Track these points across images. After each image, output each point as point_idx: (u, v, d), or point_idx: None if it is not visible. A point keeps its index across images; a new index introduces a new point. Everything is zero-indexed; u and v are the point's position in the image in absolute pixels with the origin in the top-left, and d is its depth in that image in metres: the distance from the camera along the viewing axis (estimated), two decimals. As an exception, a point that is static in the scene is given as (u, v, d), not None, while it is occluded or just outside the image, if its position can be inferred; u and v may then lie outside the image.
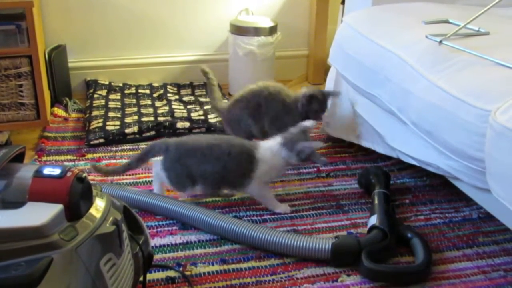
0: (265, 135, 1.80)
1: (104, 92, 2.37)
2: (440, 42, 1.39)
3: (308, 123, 1.57)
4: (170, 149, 1.52)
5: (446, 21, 1.55)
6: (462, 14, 1.56)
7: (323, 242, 1.34)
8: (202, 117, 2.16)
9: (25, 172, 0.95)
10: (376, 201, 1.52)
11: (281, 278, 1.31)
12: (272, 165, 1.54)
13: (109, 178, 1.73)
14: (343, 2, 2.36)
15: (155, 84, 2.52)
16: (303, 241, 1.35)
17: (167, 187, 1.60)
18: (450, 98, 1.22)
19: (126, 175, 1.73)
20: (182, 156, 1.51)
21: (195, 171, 1.51)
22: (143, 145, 1.95)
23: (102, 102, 2.28)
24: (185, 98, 2.38)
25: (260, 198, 1.60)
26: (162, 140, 1.56)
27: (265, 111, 1.80)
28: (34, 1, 1.90)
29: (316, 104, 1.79)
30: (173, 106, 2.27)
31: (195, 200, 1.61)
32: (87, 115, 2.15)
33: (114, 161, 1.84)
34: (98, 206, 0.99)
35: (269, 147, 1.55)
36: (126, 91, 2.42)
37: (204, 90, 2.49)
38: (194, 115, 2.19)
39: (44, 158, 1.86)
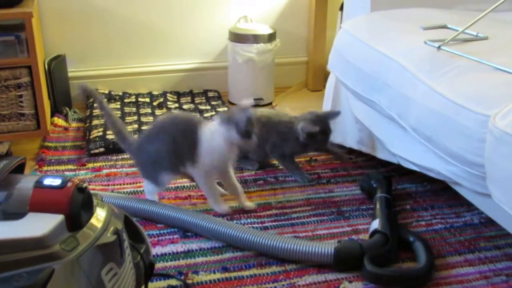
0: (266, 159, 1.85)
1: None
2: (439, 47, 1.39)
3: (246, 101, 1.51)
4: (134, 150, 1.59)
5: (445, 27, 1.56)
6: (461, 19, 1.56)
7: (326, 247, 1.35)
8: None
9: (26, 183, 0.95)
10: (378, 206, 1.52)
11: (283, 285, 1.30)
12: (213, 146, 1.50)
13: (110, 187, 1.73)
14: (341, 9, 2.37)
15: (155, 93, 2.53)
16: (305, 246, 1.35)
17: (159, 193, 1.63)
18: (449, 103, 1.23)
19: (127, 183, 1.73)
20: (141, 145, 1.57)
21: (154, 156, 1.53)
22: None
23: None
24: (185, 106, 2.39)
25: (203, 189, 1.59)
26: (130, 141, 1.61)
27: (262, 142, 1.77)
28: (33, 12, 1.90)
29: (319, 136, 1.74)
30: (173, 114, 2.27)
31: (195, 208, 1.62)
32: (87, 125, 2.15)
33: (115, 170, 1.85)
34: (99, 216, 0.99)
35: (209, 128, 1.51)
36: (126, 100, 2.42)
37: (203, 97, 2.50)
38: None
39: (44, 168, 1.86)
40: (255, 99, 2.32)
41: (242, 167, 1.87)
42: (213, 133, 1.50)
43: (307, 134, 1.72)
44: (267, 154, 1.83)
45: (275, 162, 1.89)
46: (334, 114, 1.80)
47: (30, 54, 1.92)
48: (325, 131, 1.75)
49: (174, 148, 1.51)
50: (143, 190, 1.71)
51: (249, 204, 1.62)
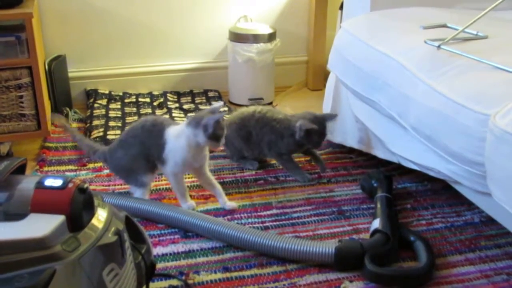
0: (261, 156, 1.86)
1: (104, 102, 2.38)
2: (439, 46, 1.39)
3: (217, 104, 1.55)
4: (107, 156, 1.61)
5: (444, 26, 1.56)
6: (460, 18, 1.57)
7: (327, 246, 1.35)
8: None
9: (27, 183, 0.96)
10: (378, 205, 1.52)
11: (284, 285, 1.31)
12: (176, 148, 1.52)
13: (111, 187, 1.73)
14: (341, 8, 2.37)
15: (155, 93, 2.53)
16: (306, 246, 1.35)
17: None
18: (449, 102, 1.23)
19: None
20: (113, 152, 1.60)
21: (127, 161, 1.57)
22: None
23: (103, 111, 2.28)
24: (185, 106, 2.39)
25: (172, 186, 1.61)
26: (102, 150, 1.64)
27: (257, 138, 1.81)
28: (33, 12, 1.91)
29: (315, 136, 1.75)
30: (174, 114, 2.27)
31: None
32: (88, 125, 2.15)
33: (115, 170, 1.85)
34: (100, 216, 0.99)
35: (175, 129, 1.54)
36: (126, 100, 2.43)
37: (204, 97, 2.50)
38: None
39: (45, 169, 1.86)
40: (255, 99, 2.34)
41: (243, 167, 1.87)
42: (178, 135, 1.52)
43: (305, 131, 1.72)
44: (263, 152, 1.84)
45: (274, 162, 1.89)
46: (331, 116, 1.81)
47: (30, 55, 1.92)
48: (322, 132, 1.76)
49: (143, 151, 1.55)
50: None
51: (230, 204, 1.62)
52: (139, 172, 1.57)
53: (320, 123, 1.75)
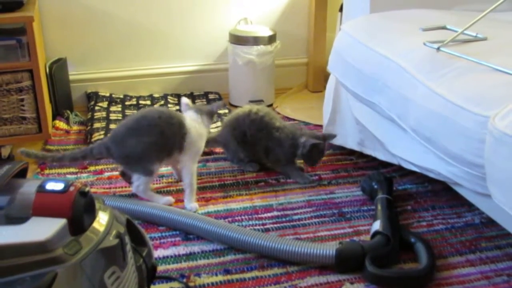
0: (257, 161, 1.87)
1: (105, 104, 2.38)
2: (438, 48, 1.40)
3: (218, 103, 1.80)
4: (110, 146, 1.60)
5: (444, 28, 1.56)
6: (460, 20, 1.57)
7: (327, 248, 1.35)
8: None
9: (29, 187, 0.96)
10: (379, 207, 1.53)
11: (285, 287, 1.31)
12: (199, 133, 1.67)
13: (112, 190, 1.74)
14: (341, 10, 2.37)
15: (156, 95, 2.53)
16: (307, 248, 1.36)
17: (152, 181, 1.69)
18: (448, 104, 1.23)
19: (128, 186, 1.74)
20: (120, 141, 1.59)
21: (142, 148, 1.57)
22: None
23: (104, 114, 2.29)
24: (186, 109, 2.39)
25: (188, 176, 1.63)
26: (98, 143, 1.63)
27: (251, 139, 1.82)
28: (34, 16, 1.91)
29: (316, 153, 1.78)
30: (174, 117, 2.28)
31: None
32: (89, 128, 2.16)
33: (117, 172, 1.85)
34: (101, 220, 0.99)
35: (191, 117, 1.68)
36: (127, 103, 2.43)
37: (204, 100, 2.51)
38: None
39: (46, 171, 1.86)
40: (255, 101, 2.35)
41: (243, 169, 1.88)
42: (198, 123, 1.68)
43: (311, 146, 1.74)
44: (259, 156, 1.84)
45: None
46: (331, 136, 1.85)
47: (31, 58, 1.92)
48: (322, 150, 1.80)
49: (161, 140, 1.59)
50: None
51: (194, 205, 1.65)
52: (150, 160, 1.59)
53: (323, 143, 1.80)
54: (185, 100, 1.75)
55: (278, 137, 1.79)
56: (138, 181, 1.61)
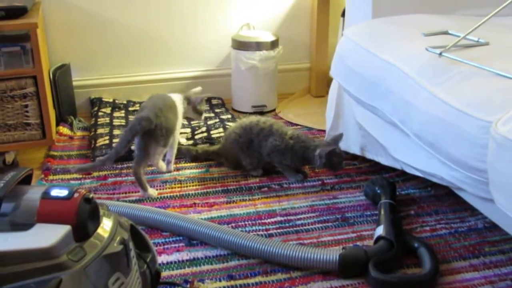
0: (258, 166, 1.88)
1: (108, 110, 2.39)
2: (440, 54, 1.40)
3: (195, 89, 2.07)
4: (152, 119, 1.76)
5: (446, 33, 1.56)
6: (462, 24, 1.57)
7: (331, 253, 1.35)
8: (205, 134, 2.17)
9: (33, 194, 0.97)
10: (382, 212, 1.53)
11: (288, 292, 1.31)
12: (184, 109, 1.97)
13: (115, 196, 1.74)
14: (343, 15, 2.38)
15: (159, 101, 2.54)
16: (310, 253, 1.36)
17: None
18: (451, 109, 1.23)
19: (132, 192, 1.75)
20: (164, 117, 1.80)
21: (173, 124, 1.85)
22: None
23: (107, 119, 2.29)
24: (189, 114, 2.39)
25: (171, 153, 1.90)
26: (136, 118, 1.77)
27: (258, 146, 1.84)
28: (38, 22, 1.92)
29: (335, 158, 1.77)
30: (177, 122, 2.28)
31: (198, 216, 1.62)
32: (92, 133, 2.17)
33: (121, 178, 1.86)
34: (106, 226, 1.00)
35: (176, 96, 1.95)
36: (130, 108, 2.44)
37: (207, 105, 2.51)
38: (198, 131, 2.20)
39: (50, 177, 1.87)
40: (258, 106, 2.36)
41: (246, 174, 1.88)
42: (182, 102, 1.96)
43: (327, 154, 1.75)
44: (261, 156, 1.85)
45: (278, 169, 1.90)
46: (339, 137, 1.84)
47: (35, 65, 1.93)
48: (340, 153, 1.79)
49: (176, 118, 1.88)
50: (148, 199, 1.72)
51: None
52: (173, 133, 1.87)
53: (336, 143, 1.81)
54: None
55: (291, 144, 1.81)
56: (160, 154, 1.84)
